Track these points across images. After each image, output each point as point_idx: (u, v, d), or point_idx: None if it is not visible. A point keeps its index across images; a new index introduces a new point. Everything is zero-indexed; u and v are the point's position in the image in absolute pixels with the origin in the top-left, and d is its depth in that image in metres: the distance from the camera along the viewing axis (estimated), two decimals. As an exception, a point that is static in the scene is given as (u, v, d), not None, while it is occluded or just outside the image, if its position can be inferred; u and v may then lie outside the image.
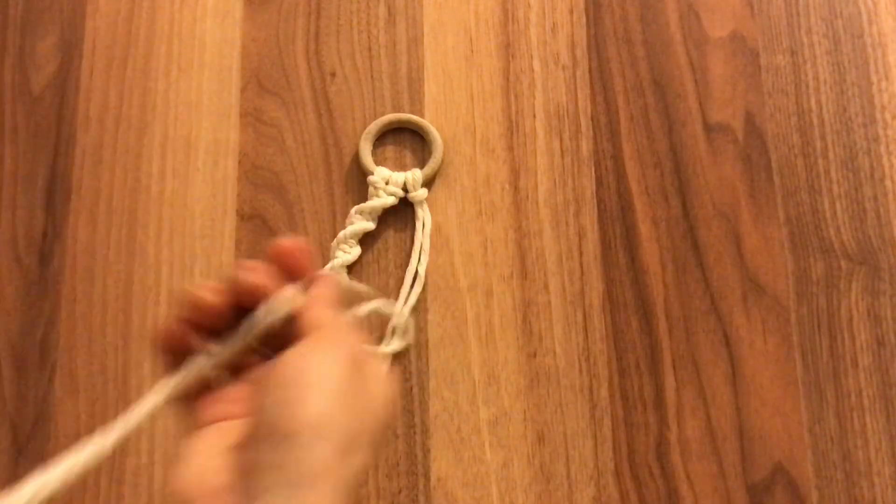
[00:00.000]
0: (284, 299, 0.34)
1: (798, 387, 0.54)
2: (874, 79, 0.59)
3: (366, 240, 0.57)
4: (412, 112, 0.60)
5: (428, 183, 0.58)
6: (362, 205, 0.57)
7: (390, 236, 0.58)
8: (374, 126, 0.59)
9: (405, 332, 0.55)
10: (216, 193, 0.59)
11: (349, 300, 0.38)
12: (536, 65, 0.61)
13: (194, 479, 0.30)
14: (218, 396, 0.34)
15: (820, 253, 0.56)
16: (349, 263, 0.57)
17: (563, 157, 0.59)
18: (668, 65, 0.60)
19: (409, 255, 0.57)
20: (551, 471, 0.53)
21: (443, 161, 0.58)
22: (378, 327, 0.56)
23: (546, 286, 0.56)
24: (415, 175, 0.57)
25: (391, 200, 0.57)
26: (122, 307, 0.56)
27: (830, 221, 0.57)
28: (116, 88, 0.61)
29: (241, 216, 0.58)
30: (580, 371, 0.55)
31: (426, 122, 0.59)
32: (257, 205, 0.58)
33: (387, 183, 0.57)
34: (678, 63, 0.60)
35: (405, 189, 0.57)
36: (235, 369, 0.35)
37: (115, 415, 0.54)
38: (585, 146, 0.59)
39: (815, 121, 0.59)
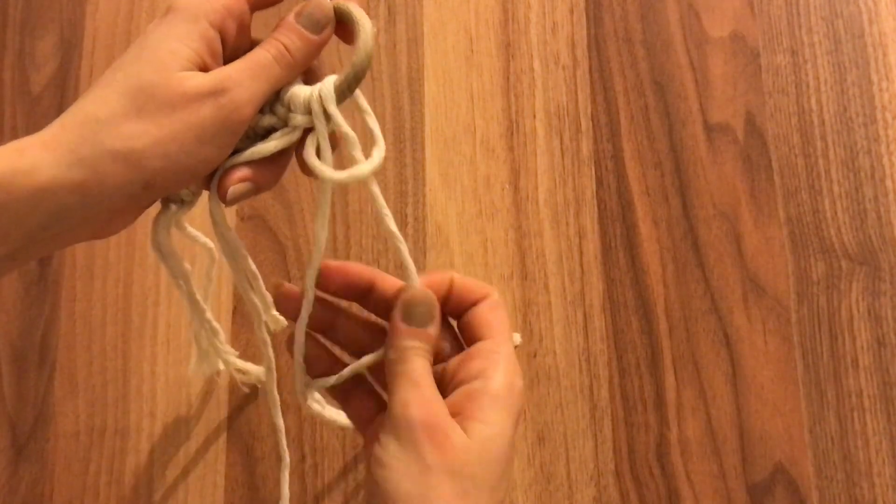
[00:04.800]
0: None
1: (798, 387, 0.54)
2: (875, 79, 0.59)
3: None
4: (412, 112, 0.60)
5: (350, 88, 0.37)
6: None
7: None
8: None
9: None
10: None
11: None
12: (536, 65, 0.61)
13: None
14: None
15: (820, 253, 0.56)
16: None
17: (563, 157, 0.59)
18: (669, 65, 0.60)
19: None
20: (551, 471, 0.53)
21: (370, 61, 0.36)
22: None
23: (546, 286, 0.56)
24: (323, 88, 0.36)
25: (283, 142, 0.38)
26: (121, 307, 0.56)
27: (831, 221, 0.57)
28: (116, 88, 0.61)
29: (241, 216, 0.58)
30: (580, 371, 0.55)
31: (350, 6, 0.37)
32: (257, 205, 0.58)
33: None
34: (678, 63, 0.60)
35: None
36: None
37: (115, 415, 0.54)
38: (585, 146, 0.59)
39: (816, 121, 0.59)
